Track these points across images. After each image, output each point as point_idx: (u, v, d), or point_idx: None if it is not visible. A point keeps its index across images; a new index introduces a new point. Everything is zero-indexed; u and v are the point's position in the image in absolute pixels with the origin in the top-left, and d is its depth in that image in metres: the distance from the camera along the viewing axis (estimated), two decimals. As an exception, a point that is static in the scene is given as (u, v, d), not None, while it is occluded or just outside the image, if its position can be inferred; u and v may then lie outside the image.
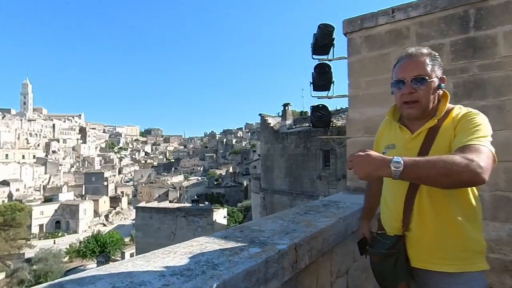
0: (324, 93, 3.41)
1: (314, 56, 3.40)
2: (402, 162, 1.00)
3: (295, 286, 1.40)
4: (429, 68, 1.21)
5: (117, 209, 56.82)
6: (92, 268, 1.10)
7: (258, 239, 1.37)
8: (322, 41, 3.26)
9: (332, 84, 3.37)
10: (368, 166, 1.04)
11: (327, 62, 3.33)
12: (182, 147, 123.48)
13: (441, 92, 1.26)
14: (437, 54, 1.27)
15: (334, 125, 12.78)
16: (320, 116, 3.32)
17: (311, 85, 3.40)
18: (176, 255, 1.10)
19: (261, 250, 1.20)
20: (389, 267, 1.32)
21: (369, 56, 3.00)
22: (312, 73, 3.38)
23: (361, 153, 1.05)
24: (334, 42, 3.35)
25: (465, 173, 0.96)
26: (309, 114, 3.70)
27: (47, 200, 50.74)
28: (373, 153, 1.05)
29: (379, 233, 1.48)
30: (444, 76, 1.26)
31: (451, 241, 1.19)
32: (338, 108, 16.44)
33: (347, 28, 3.11)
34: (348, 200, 2.53)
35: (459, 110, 1.25)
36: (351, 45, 3.10)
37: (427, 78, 1.20)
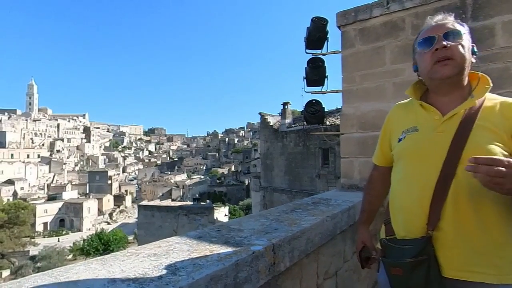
0: (318, 89, 3.33)
1: (308, 51, 3.32)
2: None
3: (274, 291, 1.31)
4: (460, 27, 1.08)
5: (121, 207, 57.22)
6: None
7: (233, 240, 1.28)
8: (316, 34, 3.17)
9: (326, 79, 3.29)
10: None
11: (320, 56, 3.25)
12: (185, 146, 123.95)
13: (474, 59, 1.09)
14: (464, 24, 1.13)
15: (333, 123, 12.78)
16: (314, 111, 3.23)
17: (304, 80, 3.32)
18: (137, 258, 1.02)
19: (233, 252, 1.12)
20: (419, 280, 1.02)
21: (364, 49, 2.90)
22: (305, 67, 3.30)
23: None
24: (328, 35, 3.27)
25: None
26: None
27: (51, 198, 51.19)
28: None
29: (389, 238, 1.19)
30: (474, 44, 1.10)
31: (489, 244, 0.98)
32: (339, 107, 16.31)
33: (341, 20, 3.01)
34: (341, 197, 2.44)
35: (510, 102, 1.06)
36: (345, 38, 3.00)
37: (461, 32, 1.06)
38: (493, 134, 1.00)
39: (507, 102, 1.07)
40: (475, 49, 1.09)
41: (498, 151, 0.98)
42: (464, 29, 1.08)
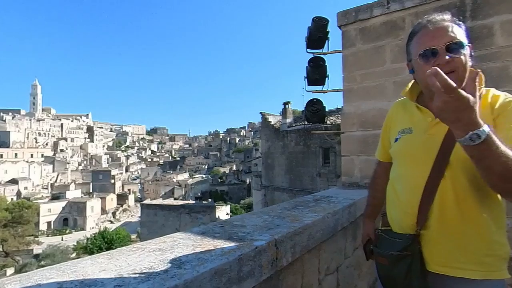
0: (318, 88, 3.35)
1: (309, 50, 3.34)
2: (487, 131, 0.76)
3: (276, 285, 1.33)
4: (460, 33, 1.00)
5: (124, 206, 57.45)
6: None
7: (237, 235, 1.31)
8: (317, 34, 3.19)
9: (326, 78, 3.31)
10: (455, 103, 0.75)
11: (321, 55, 3.27)
12: (187, 145, 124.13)
13: (470, 62, 1.02)
14: (461, 23, 1.04)
15: (333, 122, 12.78)
16: (315, 110, 3.26)
17: (306, 79, 3.35)
18: (143, 252, 1.06)
19: (236, 247, 1.15)
20: (401, 272, 1.12)
21: (364, 48, 2.92)
22: (306, 67, 3.33)
23: (452, 85, 0.74)
24: (329, 35, 3.29)
25: None
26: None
27: (55, 197, 51.47)
28: (469, 97, 0.76)
29: (384, 229, 1.28)
30: (470, 44, 1.03)
31: (475, 243, 1.02)
32: (340, 107, 16.29)
33: (342, 20, 3.04)
34: (341, 195, 2.47)
35: (498, 94, 1.03)
36: (345, 37, 3.03)
37: (463, 43, 0.98)
38: None
39: (495, 94, 1.05)
40: (472, 52, 1.04)
41: None
42: (463, 34, 1.02)
